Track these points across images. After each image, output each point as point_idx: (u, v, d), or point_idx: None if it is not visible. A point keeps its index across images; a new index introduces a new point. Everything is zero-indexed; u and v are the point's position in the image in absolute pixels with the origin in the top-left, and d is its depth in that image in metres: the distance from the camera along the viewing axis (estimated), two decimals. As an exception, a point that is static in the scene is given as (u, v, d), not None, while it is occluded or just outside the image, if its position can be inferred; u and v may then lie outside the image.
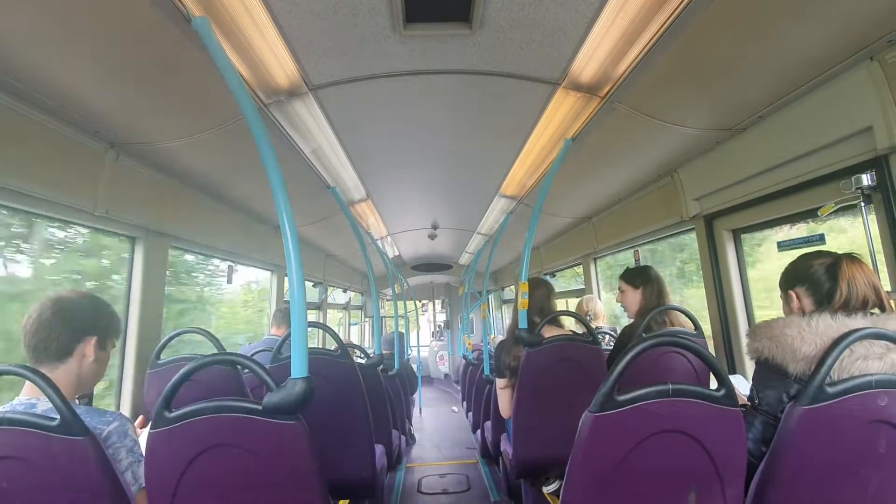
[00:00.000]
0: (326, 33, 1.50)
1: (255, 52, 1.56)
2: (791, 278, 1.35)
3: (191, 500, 1.11)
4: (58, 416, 1.02)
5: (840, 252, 1.29)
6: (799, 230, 2.02)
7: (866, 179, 1.53)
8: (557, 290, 2.62)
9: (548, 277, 5.39)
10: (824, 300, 1.25)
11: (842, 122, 1.59)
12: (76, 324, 1.23)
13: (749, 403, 1.29)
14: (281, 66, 1.65)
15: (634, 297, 2.33)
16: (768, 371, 1.21)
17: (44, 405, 1.13)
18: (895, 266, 1.49)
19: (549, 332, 2.24)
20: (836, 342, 1.06)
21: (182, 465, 1.10)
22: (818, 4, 1.25)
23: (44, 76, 1.46)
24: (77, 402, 1.24)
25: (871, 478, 1.06)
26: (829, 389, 1.04)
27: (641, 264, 3.08)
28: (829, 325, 1.14)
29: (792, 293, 1.33)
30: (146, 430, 1.12)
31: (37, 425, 1.02)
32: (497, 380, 2.36)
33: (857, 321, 1.14)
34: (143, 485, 1.15)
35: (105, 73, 1.48)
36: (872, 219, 1.58)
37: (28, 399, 1.16)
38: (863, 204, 1.57)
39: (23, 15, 1.19)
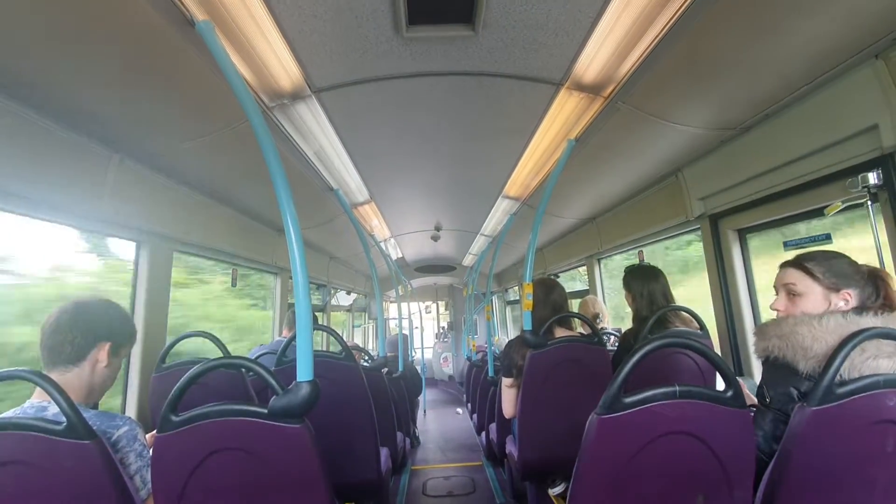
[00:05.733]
0: (329, 36, 1.50)
1: (258, 56, 1.56)
2: (845, 277, 1.30)
3: None
4: (64, 420, 1.02)
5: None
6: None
7: (873, 178, 1.52)
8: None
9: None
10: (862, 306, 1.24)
11: (848, 120, 1.58)
12: (93, 329, 1.24)
13: (756, 404, 1.28)
14: (284, 69, 1.66)
15: (629, 300, 2.31)
16: (778, 369, 1.20)
17: (55, 408, 1.13)
18: None
19: (559, 333, 2.24)
20: (843, 343, 1.05)
21: (188, 469, 1.10)
22: (823, 2, 1.24)
23: (48, 81, 1.46)
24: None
25: (880, 477, 1.05)
26: (838, 390, 1.03)
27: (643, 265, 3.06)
28: (839, 324, 1.13)
29: (850, 293, 1.27)
30: None
31: (43, 429, 1.02)
32: (504, 378, 2.34)
33: (868, 320, 1.13)
34: (152, 490, 1.15)
35: (109, 78, 1.48)
36: (879, 217, 1.57)
37: (39, 402, 1.16)
38: (869, 203, 1.56)
39: (27, 21, 1.20)
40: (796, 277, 1.32)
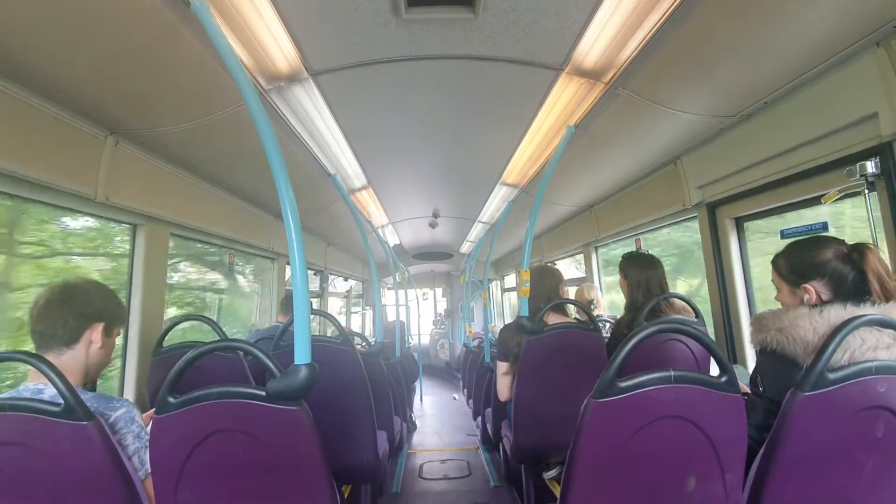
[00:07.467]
0: (327, 17, 1.48)
1: (254, 37, 1.54)
2: (803, 272, 1.28)
3: (195, 485, 1.12)
4: (62, 402, 1.02)
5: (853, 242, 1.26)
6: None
7: (871, 166, 1.51)
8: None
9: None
10: (848, 293, 1.21)
11: (847, 109, 1.58)
12: (84, 310, 1.24)
13: (749, 392, 1.29)
14: (281, 50, 1.63)
15: (624, 286, 2.30)
16: (776, 360, 1.20)
17: (51, 391, 1.13)
18: None
19: (553, 319, 2.25)
20: (837, 330, 1.06)
21: (186, 451, 1.10)
22: None
23: (42, 61, 1.44)
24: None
25: (869, 462, 1.07)
26: (830, 376, 1.04)
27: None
28: (840, 316, 1.13)
29: (809, 287, 1.26)
30: None
31: (40, 410, 1.02)
32: (499, 363, 2.36)
33: (866, 310, 1.14)
34: (150, 470, 1.16)
35: (104, 58, 1.46)
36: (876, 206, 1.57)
37: (35, 385, 1.16)
38: (867, 191, 1.56)
39: (21, 0, 1.17)
40: (773, 273, 1.37)
